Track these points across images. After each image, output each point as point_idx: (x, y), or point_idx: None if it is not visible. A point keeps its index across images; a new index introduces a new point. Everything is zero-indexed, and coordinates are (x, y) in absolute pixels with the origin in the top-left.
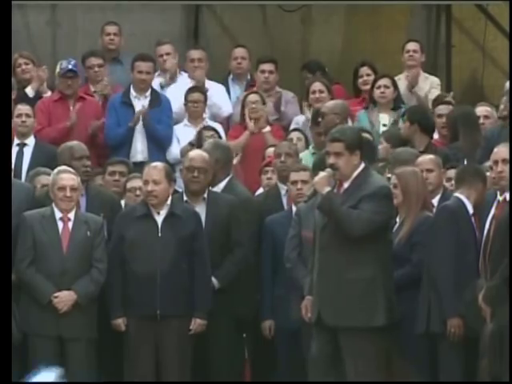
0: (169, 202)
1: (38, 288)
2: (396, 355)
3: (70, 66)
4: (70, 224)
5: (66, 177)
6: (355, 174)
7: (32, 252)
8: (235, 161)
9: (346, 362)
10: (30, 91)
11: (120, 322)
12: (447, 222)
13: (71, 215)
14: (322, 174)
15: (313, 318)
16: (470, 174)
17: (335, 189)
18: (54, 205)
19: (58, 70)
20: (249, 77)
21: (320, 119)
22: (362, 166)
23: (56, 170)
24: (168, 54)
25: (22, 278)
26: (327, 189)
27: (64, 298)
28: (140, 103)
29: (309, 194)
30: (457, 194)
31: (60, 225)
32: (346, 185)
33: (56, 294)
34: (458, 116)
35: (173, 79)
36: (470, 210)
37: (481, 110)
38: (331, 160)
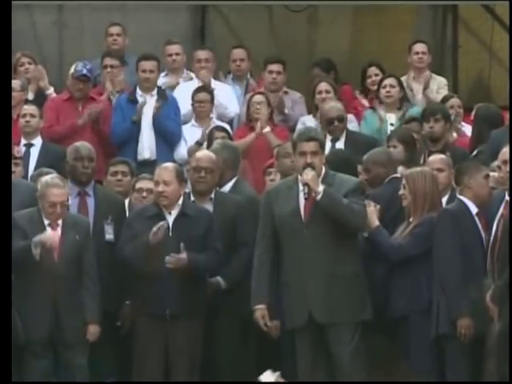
0: (180, 202)
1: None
2: (401, 357)
3: (84, 71)
4: (59, 229)
5: (57, 192)
6: (322, 173)
7: None
8: None
9: (338, 358)
10: (29, 94)
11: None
12: (449, 226)
13: (59, 220)
14: (308, 172)
15: (301, 320)
16: (463, 171)
17: None
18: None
19: (72, 70)
20: (249, 77)
21: None
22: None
23: (44, 182)
24: (177, 54)
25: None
26: (322, 185)
27: (93, 331)
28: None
29: (306, 191)
30: (458, 196)
31: (49, 230)
32: None
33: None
34: (482, 117)
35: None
36: (474, 210)
37: None
38: (309, 159)
